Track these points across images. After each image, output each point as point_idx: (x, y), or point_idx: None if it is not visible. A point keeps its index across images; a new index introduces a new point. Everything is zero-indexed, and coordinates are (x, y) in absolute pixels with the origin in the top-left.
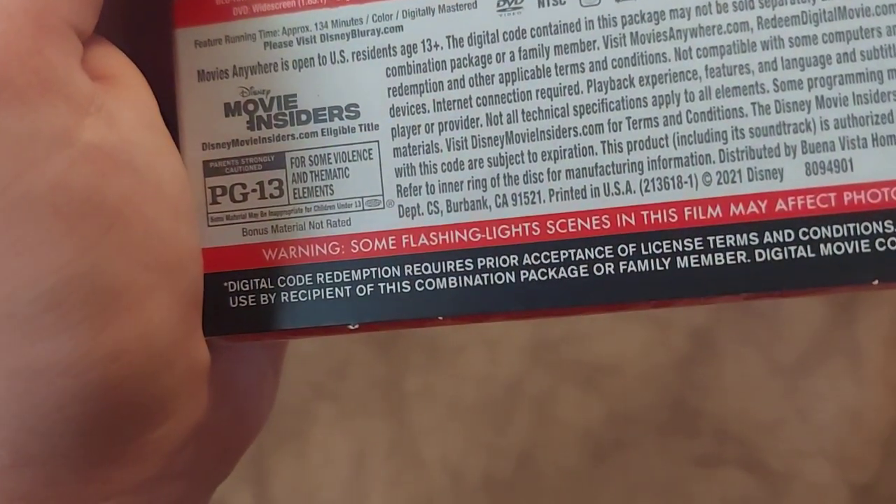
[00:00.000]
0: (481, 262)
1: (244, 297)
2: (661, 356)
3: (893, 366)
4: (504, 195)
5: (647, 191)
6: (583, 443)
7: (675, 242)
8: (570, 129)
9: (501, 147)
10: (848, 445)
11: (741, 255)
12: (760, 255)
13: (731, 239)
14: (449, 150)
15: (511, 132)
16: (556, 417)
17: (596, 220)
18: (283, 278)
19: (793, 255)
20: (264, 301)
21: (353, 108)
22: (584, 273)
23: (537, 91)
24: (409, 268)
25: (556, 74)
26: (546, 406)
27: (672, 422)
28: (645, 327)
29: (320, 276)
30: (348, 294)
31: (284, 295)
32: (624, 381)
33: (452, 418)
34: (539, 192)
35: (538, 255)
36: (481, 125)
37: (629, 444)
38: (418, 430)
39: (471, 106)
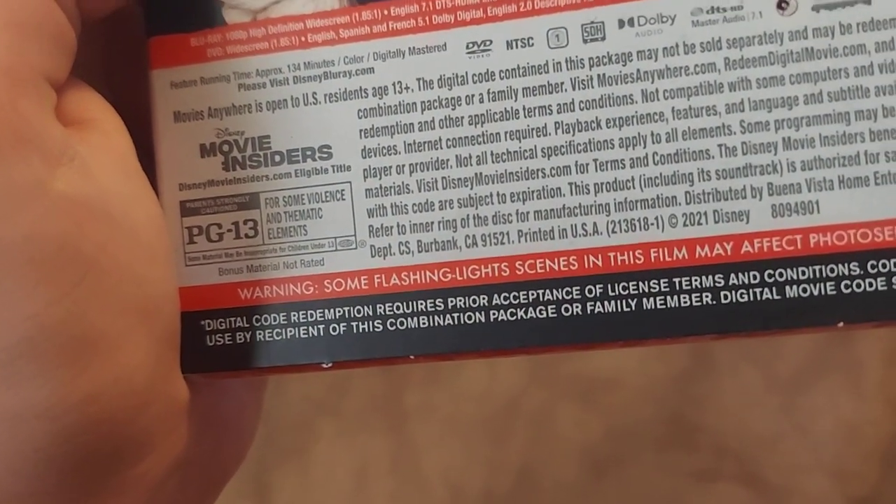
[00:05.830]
0: (451, 301)
1: (221, 335)
2: (660, 371)
3: (892, 380)
4: (474, 236)
5: (613, 232)
6: (581, 458)
7: (641, 284)
8: (538, 170)
9: (471, 188)
10: (846, 459)
11: (707, 296)
12: (726, 297)
13: (696, 281)
14: (420, 191)
15: (480, 174)
16: (554, 432)
17: (564, 261)
18: (259, 317)
19: (758, 297)
20: (240, 339)
21: (325, 150)
22: (552, 313)
23: (506, 133)
24: (380, 307)
25: (525, 116)
26: (545, 421)
27: (670, 437)
28: None
29: (294, 315)
30: (322, 333)
31: (260, 333)
32: (622, 396)
33: (452, 434)
34: (508, 233)
35: (507, 295)
36: (451, 167)
37: (627, 458)
38: (419, 445)
39: (441, 147)
